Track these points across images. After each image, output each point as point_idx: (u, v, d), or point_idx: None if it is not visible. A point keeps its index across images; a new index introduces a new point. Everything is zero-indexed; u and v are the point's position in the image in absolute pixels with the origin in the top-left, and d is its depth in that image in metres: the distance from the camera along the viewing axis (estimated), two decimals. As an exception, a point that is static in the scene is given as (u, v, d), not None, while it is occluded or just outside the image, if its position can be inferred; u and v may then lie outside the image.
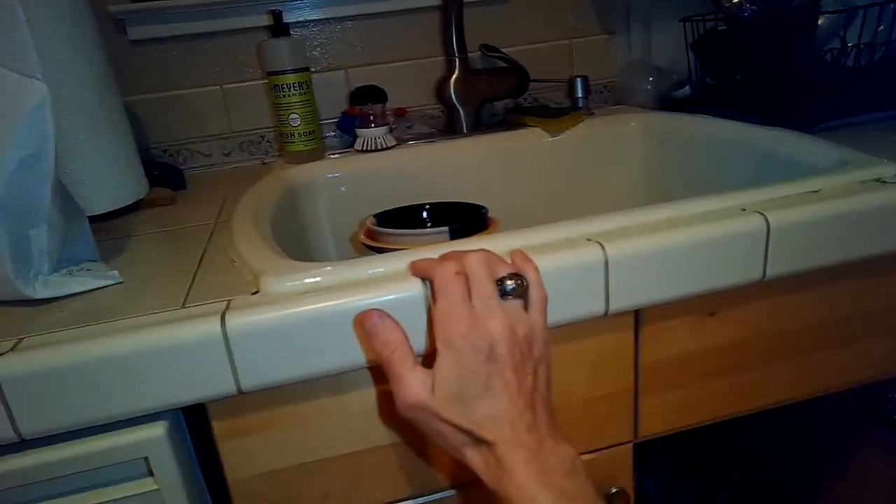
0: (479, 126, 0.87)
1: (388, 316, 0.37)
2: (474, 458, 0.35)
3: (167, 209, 0.69)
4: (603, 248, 0.43)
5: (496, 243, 0.43)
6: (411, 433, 0.46)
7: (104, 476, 0.40)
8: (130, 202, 0.65)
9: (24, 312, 0.43)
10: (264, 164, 0.87)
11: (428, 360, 0.37)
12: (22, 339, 0.39)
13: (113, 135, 0.64)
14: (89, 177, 0.62)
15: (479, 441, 0.35)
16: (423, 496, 0.49)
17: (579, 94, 0.91)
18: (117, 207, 0.64)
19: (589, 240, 0.44)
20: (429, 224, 0.69)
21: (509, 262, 0.39)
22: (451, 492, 0.49)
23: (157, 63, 0.83)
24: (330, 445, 0.45)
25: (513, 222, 0.59)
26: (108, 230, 0.62)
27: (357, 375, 0.44)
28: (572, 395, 0.49)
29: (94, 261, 0.50)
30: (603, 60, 0.97)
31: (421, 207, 0.70)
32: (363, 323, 0.37)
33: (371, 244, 0.62)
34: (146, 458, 0.40)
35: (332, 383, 0.43)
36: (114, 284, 0.47)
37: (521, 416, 0.34)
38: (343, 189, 0.77)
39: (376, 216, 0.67)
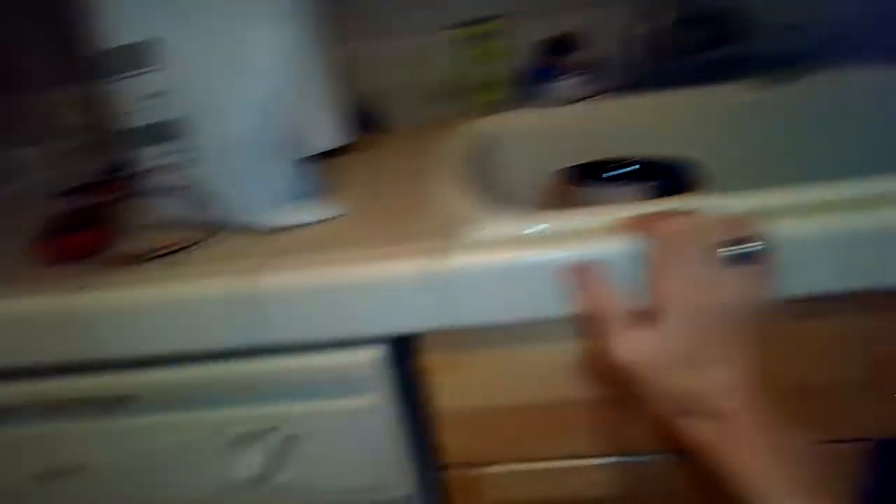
0: (682, 79, 0.80)
1: (605, 270, 0.36)
2: (696, 428, 0.33)
3: (372, 154, 0.73)
4: (849, 216, 0.37)
5: (714, 205, 0.40)
6: (611, 391, 0.45)
7: (327, 389, 0.44)
8: (339, 146, 0.70)
9: (261, 238, 0.49)
10: (461, 113, 0.89)
11: (641, 320, 0.35)
12: (262, 261, 0.43)
13: (327, 79, 0.69)
14: (307, 117, 0.67)
15: (705, 410, 0.33)
16: (614, 457, 0.48)
17: (798, 45, 0.80)
18: (328, 149, 0.69)
19: (833, 206, 0.38)
20: (626, 181, 0.65)
21: (740, 224, 0.36)
22: (646, 457, 0.48)
23: (366, 9, 0.87)
24: (528, 392, 0.46)
25: (721, 184, 0.54)
26: (321, 170, 0.67)
27: (562, 326, 0.43)
28: (809, 378, 0.44)
29: (317, 197, 0.54)
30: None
31: (618, 163, 0.67)
32: (578, 275, 0.36)
33: (563, 199, 0.61)
34: (363, 379, 0.43)
35: (537, 331, 0.43)
36: (335, 219, 0.50)
37: (756, 391, 0.32)
38: (534, 142, 0.76)
39: (570, 170, 0.65)
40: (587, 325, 0.37)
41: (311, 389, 0.45)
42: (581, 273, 0.36)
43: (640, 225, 0.38)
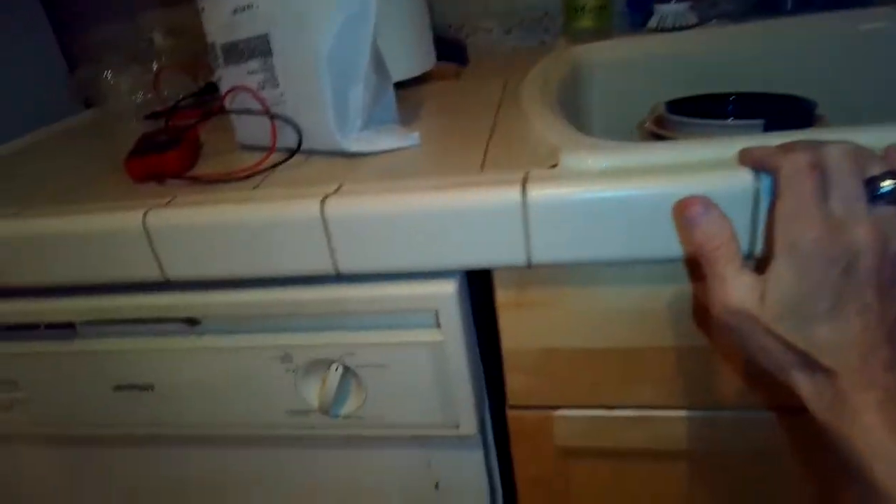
0: (805, 3, 0.71)
1: (716, 207, 0.32)
2: (804, 384, 0.30)
3: (452, 83, 0.70)
4: None
5: (837, 140, 0.34)
6: (699, 339, 0.42)
7: (397, 320, 0.44)
8: (420, 73, 0.67)
9: (340, 162, 0.47)
10: (543, 43, 0.84)
11: (755, 266, 0.32)
12: (341, 185, 0.42)
13: (411, 5, 0.66)
14: (388, 44, 0.64)
15: (814, 366, 0.29)
16: (700, 409, 0.45)
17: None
18: (409, 77, 0.66)
19: None
20: (730, 117, 0.59)
21: (875, 160, 0.31)
22: (734, 412, 0.44)
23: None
24: (609, 335, 0.43)
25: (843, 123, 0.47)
26: (400, 98, 0.65)
27: (649, 268, 0.40)
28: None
29: (397, 124, 0.52)
30: None
31: (723, 97, 0.60)
32: (684, 211, 0.33)
33: (662, 134, 0.56)
34: (436, 311, 0.42)
35: (621, 272, 0.41)
36: (413, 146, 0.48)
37: (878, 350, 0.28)
38: (631, 73, 0.70)
39: (669, 104, 0.59)
40: (691, 266, 0.34)
41: (380, 320, 0.44)
42: (689, 209, 0.33)
43: (759, 158, 0.33)
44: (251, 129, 0.53)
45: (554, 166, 0.40)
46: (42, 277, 0.46)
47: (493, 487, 0.53)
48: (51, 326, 0.50)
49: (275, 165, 0.49)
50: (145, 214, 0.42)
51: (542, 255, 0.38)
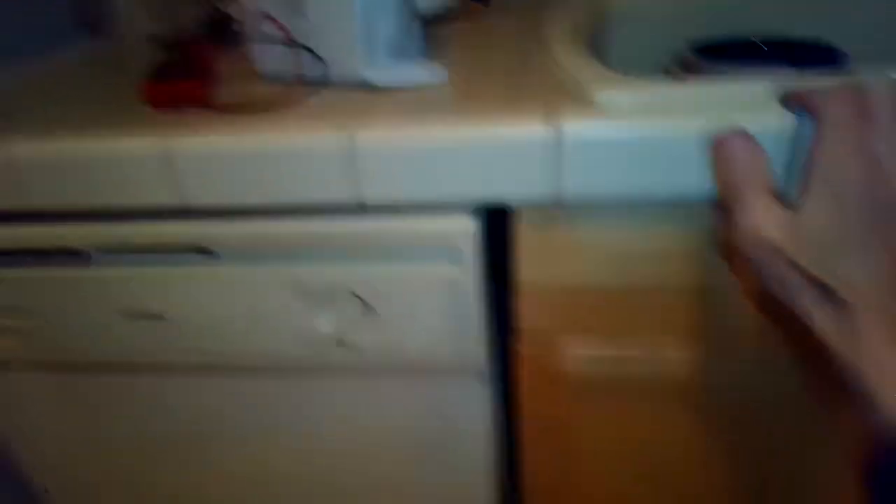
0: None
1: (752, 137, 0.32)
2: (819, 316, 0.30)
3: (476, 22, 0.68)
4: None
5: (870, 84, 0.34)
6: (722, 280, 0.42)
7: (416, 254, 0.44)
8: (448, 10, 0.65)
9: (365, 96, 0.47)
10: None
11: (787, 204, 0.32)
12: (368, 116, 0.41)
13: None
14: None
15: (834, 299, 0.30)
16: (713, 352, 0.46)
17: None
18: (436, 12, 0.65)
19: None
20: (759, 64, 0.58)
21: None
22: (747, 355, 0.45)
23: None
24: (627, 275, 0.43)
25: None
26: (426, 35, 0.64)
27: (673, 208, 0.40)
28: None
29: (422, 60, 0.51)
30: None
31: (751, 43, 0.59)
32: (722, 145, 0.33)
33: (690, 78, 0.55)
34: (455, 247, 0.42)
35: (647, 211, 0.41)
36: (438, 83, 0.48)
37: None
38: (656, 11, 0.68)
39: (695, 48, 0.58)
40: (719, 200, 0.34)
41: (398, 254, 0.44)
42: (728, 143, 0.33)
43: (802, 99, 0.33)
44: (272, 58, 0.51)
45: (587, 104, 0.39)
46: (60, 201, 0.46)
47: (498, 423, 0.55)
48: (65, 252, 0.50)
49: (297, 96, 0.48)
50: (168, 140, 0.42)
51: (571, 192, 0.38)
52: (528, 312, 0.47)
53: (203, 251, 0.47)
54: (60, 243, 0.49)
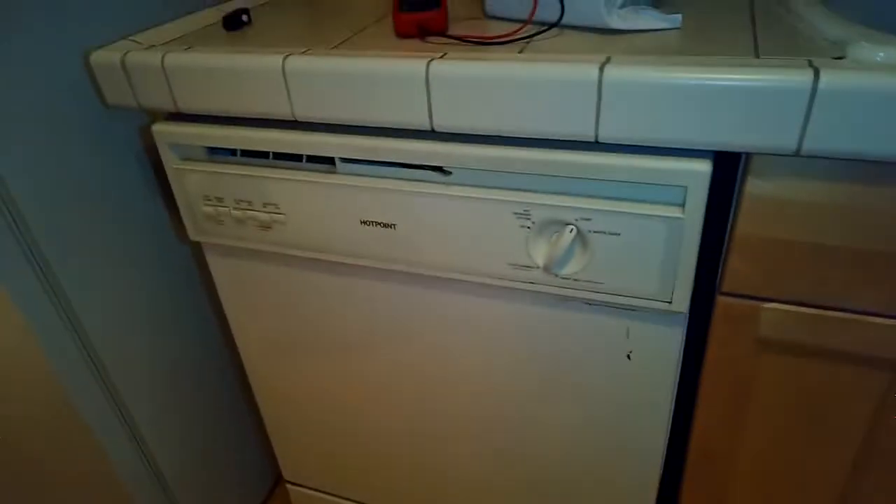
0: None
1: None
2: None
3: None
4: None
5: None
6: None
7: (643, 192, 0.47)
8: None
9: (599, 38, 0.49)
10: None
11: None
12: (610, 56, 0.44)
13: None
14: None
15: None
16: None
17: None
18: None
19: None
20: None
21: None
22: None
23: None
24: (845, 233, 0.44)
25: None
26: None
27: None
28: None
29: (655, 5, 0.53)
30: None
31: None
32: None
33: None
34: (685, 188, 0.45)
35: (878, 170, 0.41)
36: (674, 28, 0.49)
37: None
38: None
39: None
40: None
41: (625, 190, 0.47)
42: None
43: None
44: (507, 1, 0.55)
45: (840, 58, 0.39)
46: (318, 113, 0.52)
47: (680, 366, 0.57)
48: (314, 159, 0.57)
49: (532, 35, 0.51)
50: (429, 63, 0.46)
51: (815, 144, 0.39)
52: (738, 262, 0.48)
53: (440, 170, 0.52)
54: (311, 150, 0.56)
